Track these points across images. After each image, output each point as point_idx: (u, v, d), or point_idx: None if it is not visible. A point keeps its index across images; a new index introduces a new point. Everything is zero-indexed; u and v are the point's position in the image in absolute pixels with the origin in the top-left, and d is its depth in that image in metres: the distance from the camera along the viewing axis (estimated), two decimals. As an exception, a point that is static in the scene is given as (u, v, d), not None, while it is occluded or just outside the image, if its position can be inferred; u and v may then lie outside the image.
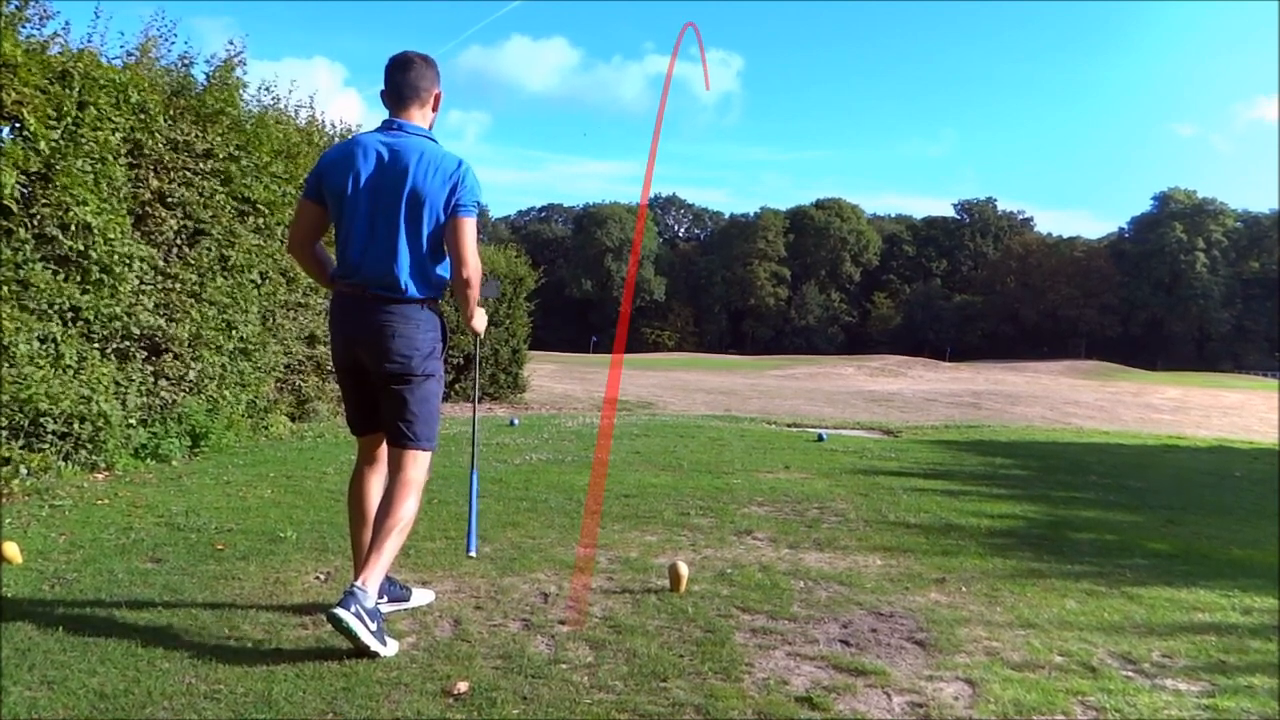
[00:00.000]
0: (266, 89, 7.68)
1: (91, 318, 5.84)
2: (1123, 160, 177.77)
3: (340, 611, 2.73)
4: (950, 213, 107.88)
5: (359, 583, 2.85)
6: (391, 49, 3.52)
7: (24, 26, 5.56)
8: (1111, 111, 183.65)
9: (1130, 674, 2.99)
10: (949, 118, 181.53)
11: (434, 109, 3.21)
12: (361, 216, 3.03)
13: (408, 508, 3.03)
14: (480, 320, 3.30)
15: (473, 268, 3.08)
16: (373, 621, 2.78)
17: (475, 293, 3.13)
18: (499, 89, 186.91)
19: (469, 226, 3.07)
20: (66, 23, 5.96)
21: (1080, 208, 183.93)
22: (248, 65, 7.70)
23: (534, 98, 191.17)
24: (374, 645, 2.78)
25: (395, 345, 3.03)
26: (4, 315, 5.18)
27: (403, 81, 3.13)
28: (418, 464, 3.10)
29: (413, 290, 3.04)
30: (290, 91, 8.96)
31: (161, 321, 6.58)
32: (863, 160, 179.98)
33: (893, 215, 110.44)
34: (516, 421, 10.89)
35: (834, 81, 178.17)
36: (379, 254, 3.02)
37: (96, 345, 5.97)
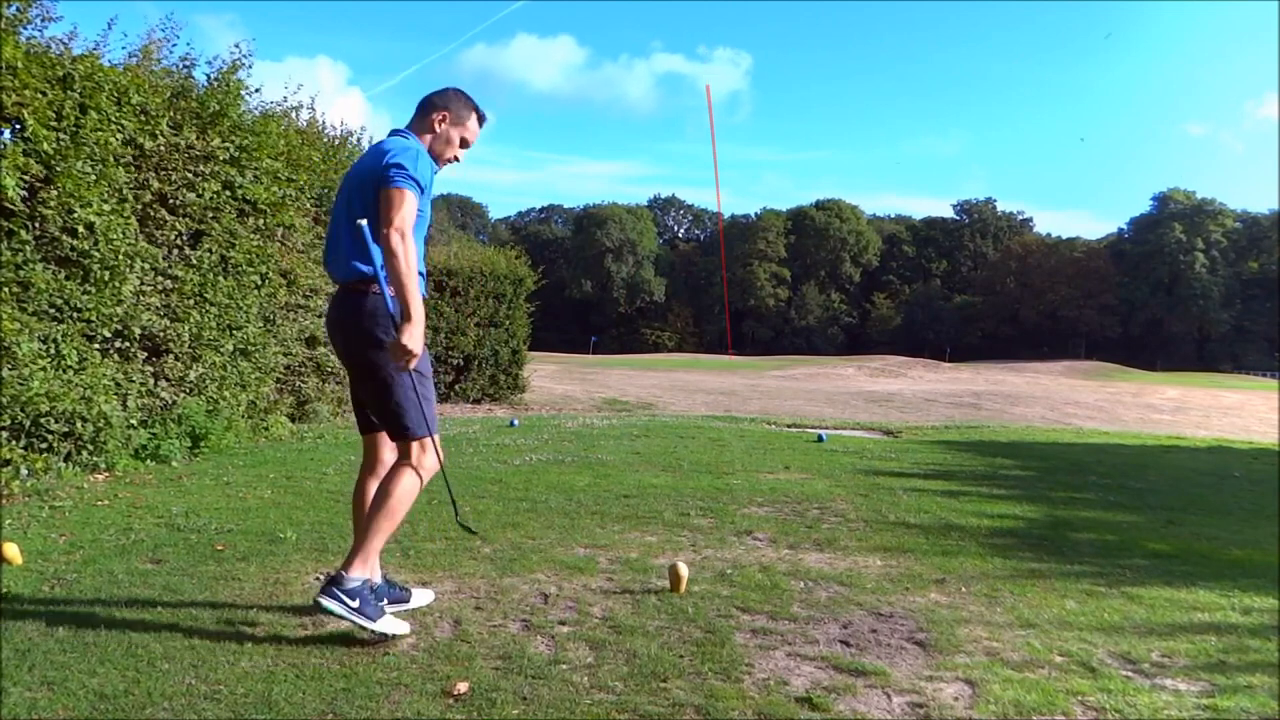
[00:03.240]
0: (256, 90, 7.70)
1: (93, 318, 5.85)
2: (1123, 160, 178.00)
3: (322, 598, 2.85)
4: (950, 213, 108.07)
5: (340, 567, 2.95)
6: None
7: (25, 28, 5.56)
8: (1112, 111, 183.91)
9: (1130, 674, 2.98)
10: (949, 118, 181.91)
11: (432, 128, 3.22)
12: (333, 214, 3.21)
13: (401, 486, 3.03)
14: (412, 335, 2.85)
15: (394, 227, 2.83)
16: (353, 599, 2.86)
17: (401, 263, 2.82)
18: (504, 88, 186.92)
19: (392, 196, 2.88)
20: (74, 27, 5.98)
21: (1080, 208, 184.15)
22: (252, 67, 7.71)
23: (539, 96, 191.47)
24: (360, 621, 2.85)
25: (351, 335, 3.09)
26: (5, 316, 5.18)
27: (426, 99, 3.27)
28: (414, 452, 3.10)
29: (356, 275, 3.03)
30: (295, 91, 9.01)
31: (163, 322, 6.58)
32: (862, 160, 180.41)
33: (892, 216, 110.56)
34: (516, 422, 10.89)
35: (838, 80, 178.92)
36: (332, 245, 3.16)
37: (97, 346, 5.97)
